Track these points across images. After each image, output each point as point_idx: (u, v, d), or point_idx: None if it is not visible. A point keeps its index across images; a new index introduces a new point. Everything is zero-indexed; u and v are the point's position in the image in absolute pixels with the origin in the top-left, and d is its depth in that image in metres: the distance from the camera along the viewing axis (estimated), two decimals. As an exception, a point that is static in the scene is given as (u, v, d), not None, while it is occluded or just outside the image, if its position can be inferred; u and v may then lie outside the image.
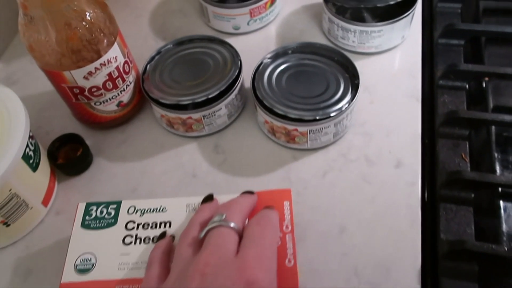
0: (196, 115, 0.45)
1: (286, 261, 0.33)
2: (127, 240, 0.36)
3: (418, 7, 0.56)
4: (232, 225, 0.31)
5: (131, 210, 0.37)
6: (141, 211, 0.37)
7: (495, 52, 0.55)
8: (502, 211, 0.42)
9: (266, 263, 0.29)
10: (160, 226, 0.36)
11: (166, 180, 0.45)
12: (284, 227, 0.35)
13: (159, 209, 0.37)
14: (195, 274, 0.28)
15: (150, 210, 0.37)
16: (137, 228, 0.36)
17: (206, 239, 0.31)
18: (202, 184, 0.44)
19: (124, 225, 0.36)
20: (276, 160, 0.45)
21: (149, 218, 0.36)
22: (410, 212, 0.40)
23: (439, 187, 0.41)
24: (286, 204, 0.36)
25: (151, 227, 0.36)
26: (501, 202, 0.42)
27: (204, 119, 0.45)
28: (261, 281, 0.27)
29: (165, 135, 0.49)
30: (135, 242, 0.35)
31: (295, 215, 0.36)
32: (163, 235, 0.35)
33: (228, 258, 0.29)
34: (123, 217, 0.37)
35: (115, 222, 0.36)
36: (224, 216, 0.32)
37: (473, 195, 0.40)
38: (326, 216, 0.41)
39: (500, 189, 0.41)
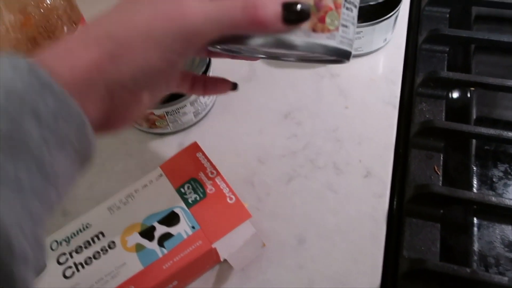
0: (158, 111, 0.42)
1: (228, 199, 0.35)
2: (68, 273, 0.33)
3: (404, 10, 0.53)
4: None
5: (54, 245, 0.35)
6: (65, 240, 0.35)
7: (485, 61, 0.52)
8: (475, 228, 0.40)
9: None
10: (94, 242, 0.34)
11: (125, 178, 0.43)
12: (210, 174, 0.37)
13: (83, 228, 0.35)
14: None
15: (74, 234, 0.35)
16: (71, 256, 0.34)
17: None
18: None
19: (56, 262, 0.34)
20: (240, 162, 0.43)
21: (78, 241, 0.35)
22: (374, 226, 0.38)
23: (406, 201, 0.39)
24: (199, 155, 0.38)
25: (85, 247, 0.34)
26: (475, 219, 0.40)
27: (167, 116, 0.43)
28: None
29: (128, 132, 0.47)
30: (77, 270, 0.33)
31: (254, 223, 0.35)
32: None
33: None
34: (49, 256, 0.34)
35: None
36: None
37: (441, 211, 0.38)
38: (286, 225, 0.39)
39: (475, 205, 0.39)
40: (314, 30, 0.24)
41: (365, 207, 0.39)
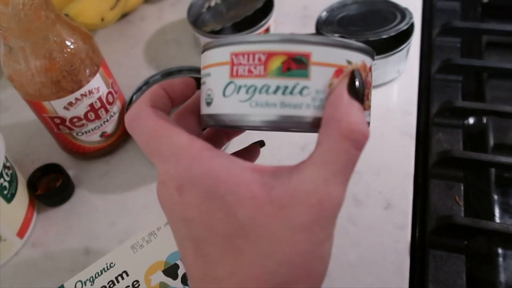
0: (178, 148, 0.43)
1: None
2: None
3: (415, 41, 0.54)
4: None
5: (79, 285, 0.35)
6: (90, 280, 0.35)
7: (498, 87, 0.53)
8: (500, 259, 0.39)
9: None
10: (118, 281, 0.34)
11: (146, 214, 0.44)
12: None
13: (107, 267, 0.35)
14: None
15: (98, 273, 0.35)
16: None
17: None
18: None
19: None
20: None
21: (102, 280, 0.35)
22: (397, 259, 0.38)
23: (429, 232, 0.38)
24: None
25: (110, 287, 0.34)
26: (499, 250, 0.39)
27: (187, 152, 0.44)
28: None
29: (148, 168, 0.48)
30: None
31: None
32: None
33: None
34: None
35: None
36: None
37: (465, 242, 0.38)
38: (308, 259, 0.39)
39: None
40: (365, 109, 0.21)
41: (387, 239, 0.39)
